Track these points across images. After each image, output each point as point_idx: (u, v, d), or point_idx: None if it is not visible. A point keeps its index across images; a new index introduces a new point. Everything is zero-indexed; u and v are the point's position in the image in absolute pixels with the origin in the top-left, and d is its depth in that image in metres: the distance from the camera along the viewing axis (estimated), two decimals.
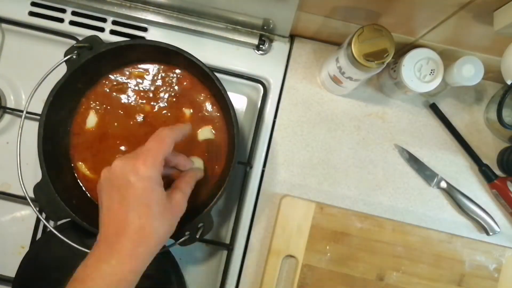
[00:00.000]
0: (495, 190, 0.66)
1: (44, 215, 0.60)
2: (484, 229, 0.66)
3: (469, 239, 0.65)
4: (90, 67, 0.58)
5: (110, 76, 0.61)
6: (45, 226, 0.63)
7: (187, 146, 0.60)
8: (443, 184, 0.66)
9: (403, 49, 0.64)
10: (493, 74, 0.63)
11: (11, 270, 0.60)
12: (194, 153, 0.60)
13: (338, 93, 0.68)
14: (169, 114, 0.61)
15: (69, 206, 0.55)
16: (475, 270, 0.64)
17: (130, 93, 0.61)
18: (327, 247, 0.63)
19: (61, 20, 0.67)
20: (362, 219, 0.64)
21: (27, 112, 0.56)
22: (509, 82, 0.48)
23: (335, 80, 0.63)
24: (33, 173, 0.63)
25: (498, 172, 0.67)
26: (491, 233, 0.66)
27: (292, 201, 0.64)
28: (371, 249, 0.63)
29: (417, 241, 0.63)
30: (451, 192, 0.66)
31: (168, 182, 0.52)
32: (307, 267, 0.63)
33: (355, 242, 0.63)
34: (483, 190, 0.68)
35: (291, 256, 0.63)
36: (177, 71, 0.61)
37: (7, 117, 0.67)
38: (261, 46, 0.68)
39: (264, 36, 0.67)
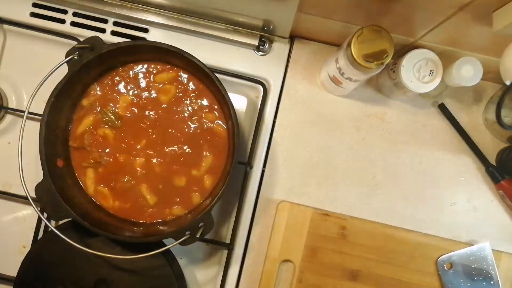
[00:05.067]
0: (501, 191, 0.66)
1: (45, 214, 0.61)
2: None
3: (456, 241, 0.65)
4: (91, 67, 0.58)
5: (110, 76, 0.61)
6: (46, 226, 0.63)
7: (189, 141, 0.61)
8: None
9: (402, 50, 0.64)
10: (492, 74, 0.64)
11: (12, 269, 0.60)
12: (197, 153, 0.61)
13: (338, 94, 0.68)
14: (169, 114, 0.61)
15: (70, 206, 0.55)
16: None
17: (130, 93, 0.61)
18: (324, 251, 0.63)
19: (62, 21, 0.68)
20: (360, 223, 0.64)
21: (29, 113, 0.57)
22: (508, 83, 0.48)
23: (335, 80, 0.63)
24: (34, 173, 0.63)
25: None
26: None
27: (289, 207, 0.64)
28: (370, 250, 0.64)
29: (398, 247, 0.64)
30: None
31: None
32: (305, 271, 0.63)
33: (352, 244, 0.63)
34: (488, 191, 0.68)
35: (288, 260, 0.63)
36: (178, 72, 0.62)
37: (8, 117, 0.68)
38: (261, 47, 0.68)
39: (264, 37, 0.68)
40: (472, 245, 0.64)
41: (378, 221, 0.65)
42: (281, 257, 0.63)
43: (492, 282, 0.63)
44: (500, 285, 0.63)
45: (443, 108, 0.68)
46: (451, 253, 0.64)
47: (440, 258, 0.64)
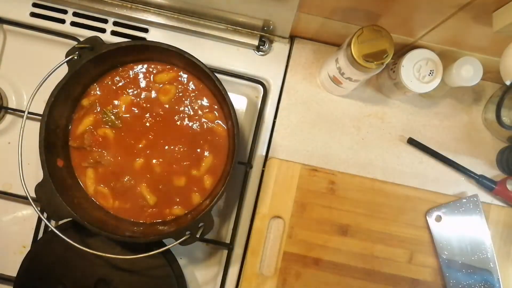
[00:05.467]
0: (498, 196, 0.66)
1: (45, 214, 0.61)
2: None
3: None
4: (91, 67, 0.58)
5: (110, 76, 0.61)
6: (46, 226, 0.63)
7: (189, 141, 0.60)
8: None
9: (402, 50, 0.64)
10: (491, 74, 0.64)
11: (12, 269, 0.60)
12: (196, 153, 0.61)
13: (338, 94, 0.68)
14: (169, 114, 0.61)
15: (70, 206, 0.55)
16: None
17: (130, 93, 0.61)
18: (314, 206, 0.63)
19: (62, 21, 0.68)
20: (348, 178, 0.64)
21: (29, 113, 0.57)
22: (507, 83, 0.48)
23: (335, 80, 0.63)
24: (34, 173, 0.63)
25: (497, 172, 0.68)
26: None
27: (277, 163, 0.64)
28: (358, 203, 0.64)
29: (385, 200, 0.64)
30: None
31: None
32: (294, 227, 0.62)
33: (341, 199, 0.63)
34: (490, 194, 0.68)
35: (278, 217, 0.63)
36: (178, 72, 0.62)
37: (8, 117, 0.68)
38: (261, 47, 0.68)
39: (264, 37, 0.68)
40: (461, 197, 0.64)
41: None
42: (270, 213, 0.63)
43: (481, 234, 0.63)
44: (490, 237, 0.63)
45: (413, 142, 0.67)
46: (440, 206, 0.63)
47: (429, 211, 0.63)
